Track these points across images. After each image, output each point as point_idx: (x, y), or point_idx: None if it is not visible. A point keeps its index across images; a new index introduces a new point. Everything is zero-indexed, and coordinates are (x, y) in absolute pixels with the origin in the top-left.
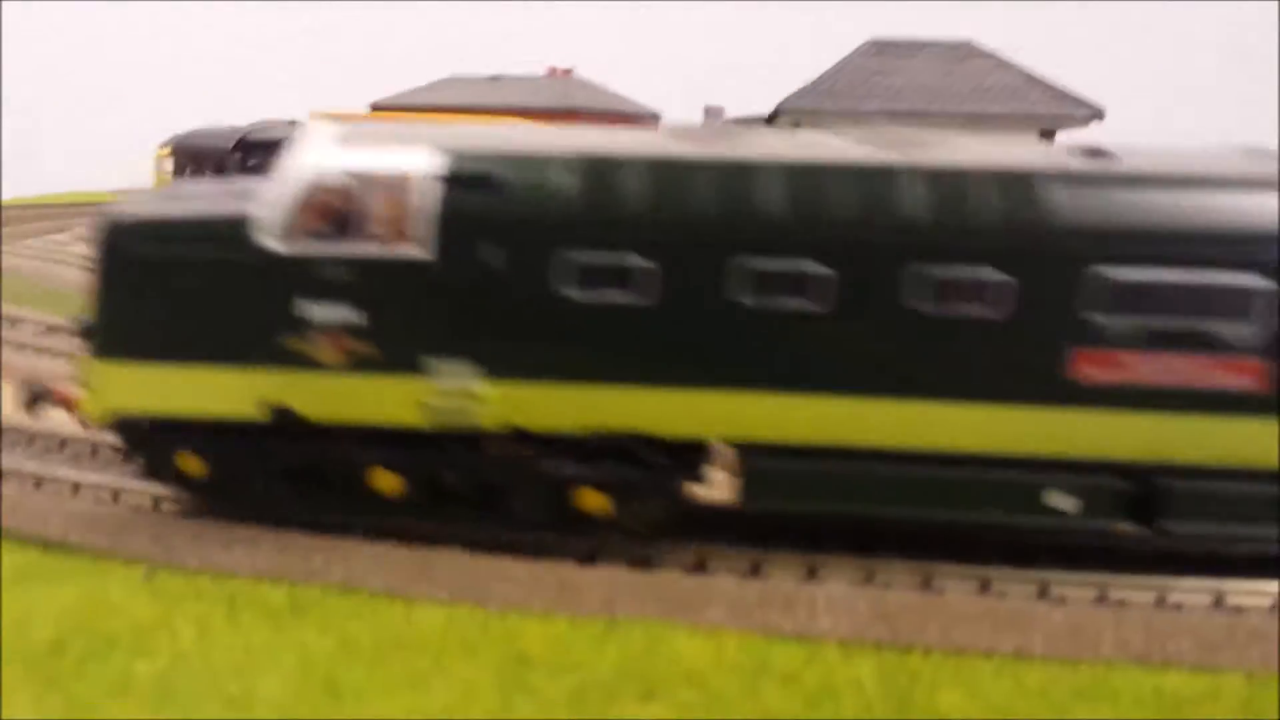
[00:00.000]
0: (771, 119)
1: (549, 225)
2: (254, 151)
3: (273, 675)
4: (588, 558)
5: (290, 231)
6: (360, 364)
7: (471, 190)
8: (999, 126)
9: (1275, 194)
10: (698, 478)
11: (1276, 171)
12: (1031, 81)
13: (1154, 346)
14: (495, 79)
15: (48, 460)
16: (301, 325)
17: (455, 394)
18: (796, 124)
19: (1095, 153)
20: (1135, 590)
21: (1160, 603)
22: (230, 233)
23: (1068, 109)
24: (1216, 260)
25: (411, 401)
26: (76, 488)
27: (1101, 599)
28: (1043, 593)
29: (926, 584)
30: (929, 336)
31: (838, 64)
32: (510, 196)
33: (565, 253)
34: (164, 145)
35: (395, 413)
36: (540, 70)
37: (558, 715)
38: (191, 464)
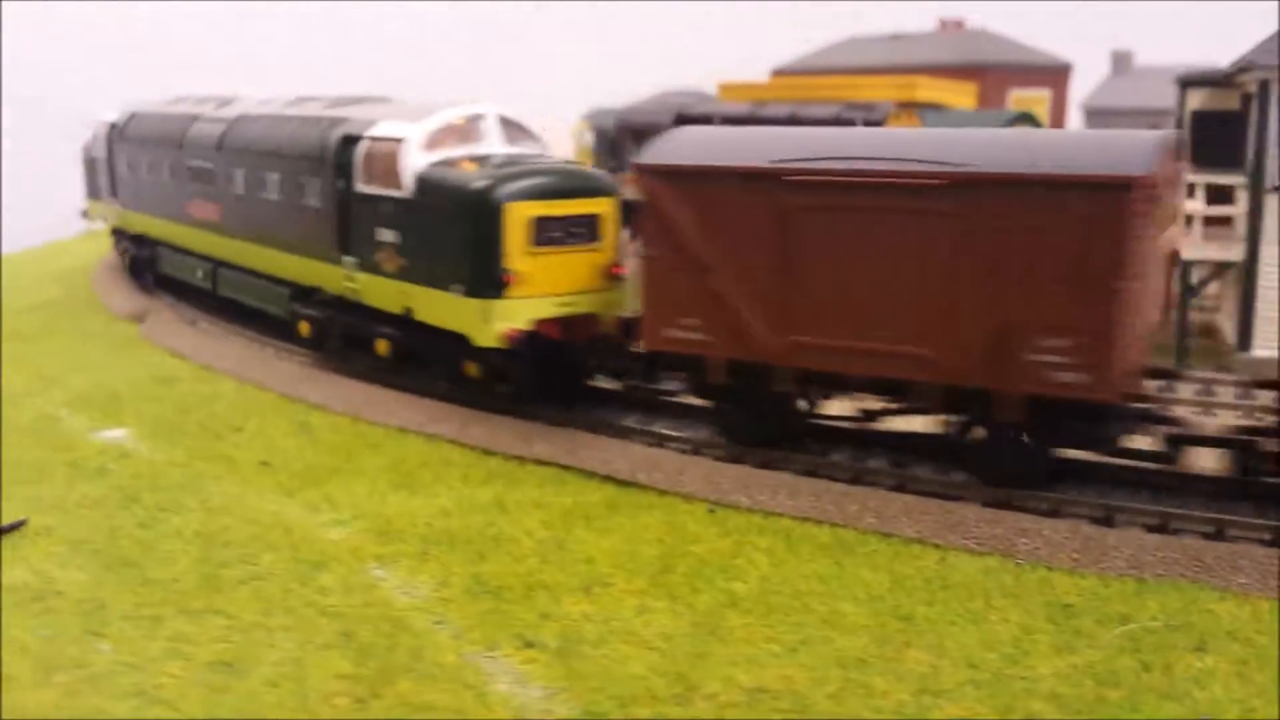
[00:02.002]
0: (1232, 76)
1: None
2: (691, 125)
3: (848, 601)
4: (1104, 519)
5: None
6: None
7: None
8: None
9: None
10: None
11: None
12: None
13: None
14: (896, 38)
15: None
16: None
17: None
18: (1251, 85)
19: (222, 102)
20: None
21: None
22: None
23: None
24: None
25: None
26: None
27: None
28: None
29: None
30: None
31: None
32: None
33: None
34: (585, 117)
35: None
36: (930, 25)
37: (1118, 661)
38: None
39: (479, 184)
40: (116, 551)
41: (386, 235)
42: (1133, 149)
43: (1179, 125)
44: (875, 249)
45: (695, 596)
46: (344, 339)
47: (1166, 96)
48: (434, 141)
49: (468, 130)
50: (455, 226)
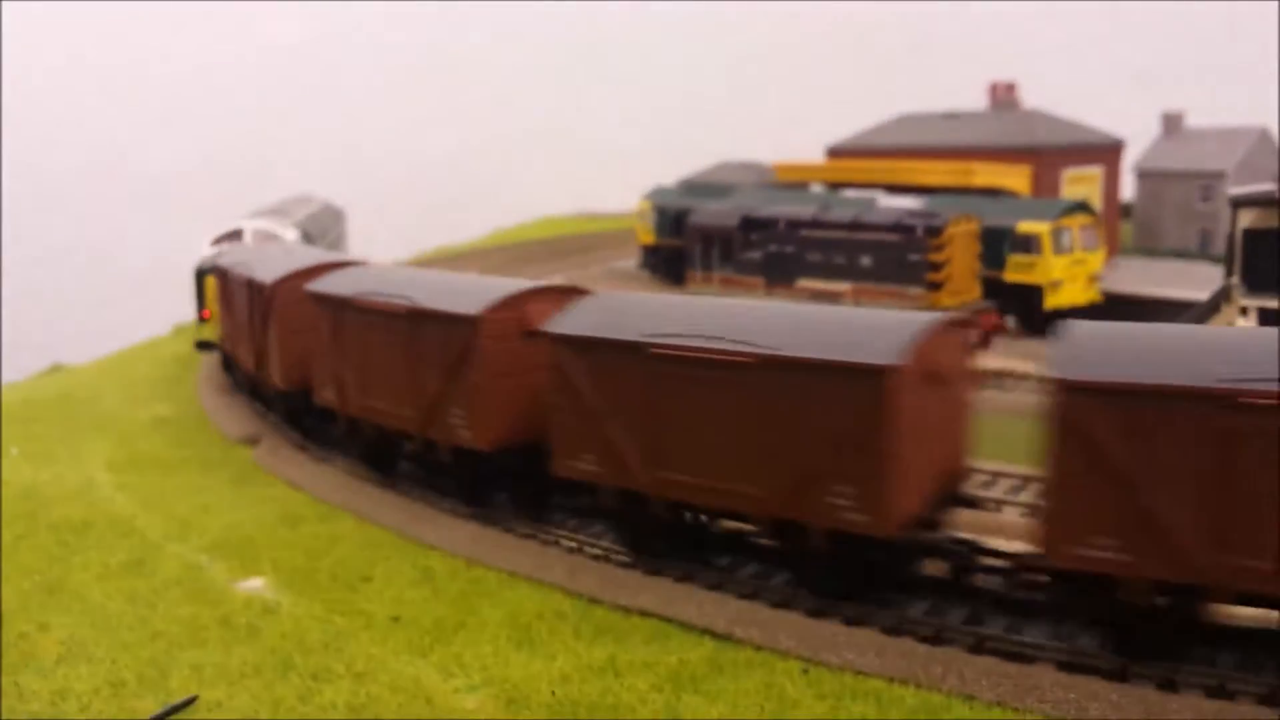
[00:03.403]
0: None
1: None
2: (756, 228)
3: None
4: (1167, 683)
5: None
6: None
7: None
8: None
9: None
10: None
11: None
12: None
13: None
14: (951, 116)
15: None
16: None
17: None
18: None
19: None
20: None
21: None
22: None
23: None
24: None
25: None
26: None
27: None
28: None
29: None
30: None
31: None
32: None
33: None
34: (646, 196)
35: None
36: (981, 86)
37: None
38: None
39: (200, 265)
40: None
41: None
42: None
43: (1230, 244)
44: None
45: None
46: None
47: (1217, 158)
48: (215, 242)
49: (234, 236)
50: (195, 287)
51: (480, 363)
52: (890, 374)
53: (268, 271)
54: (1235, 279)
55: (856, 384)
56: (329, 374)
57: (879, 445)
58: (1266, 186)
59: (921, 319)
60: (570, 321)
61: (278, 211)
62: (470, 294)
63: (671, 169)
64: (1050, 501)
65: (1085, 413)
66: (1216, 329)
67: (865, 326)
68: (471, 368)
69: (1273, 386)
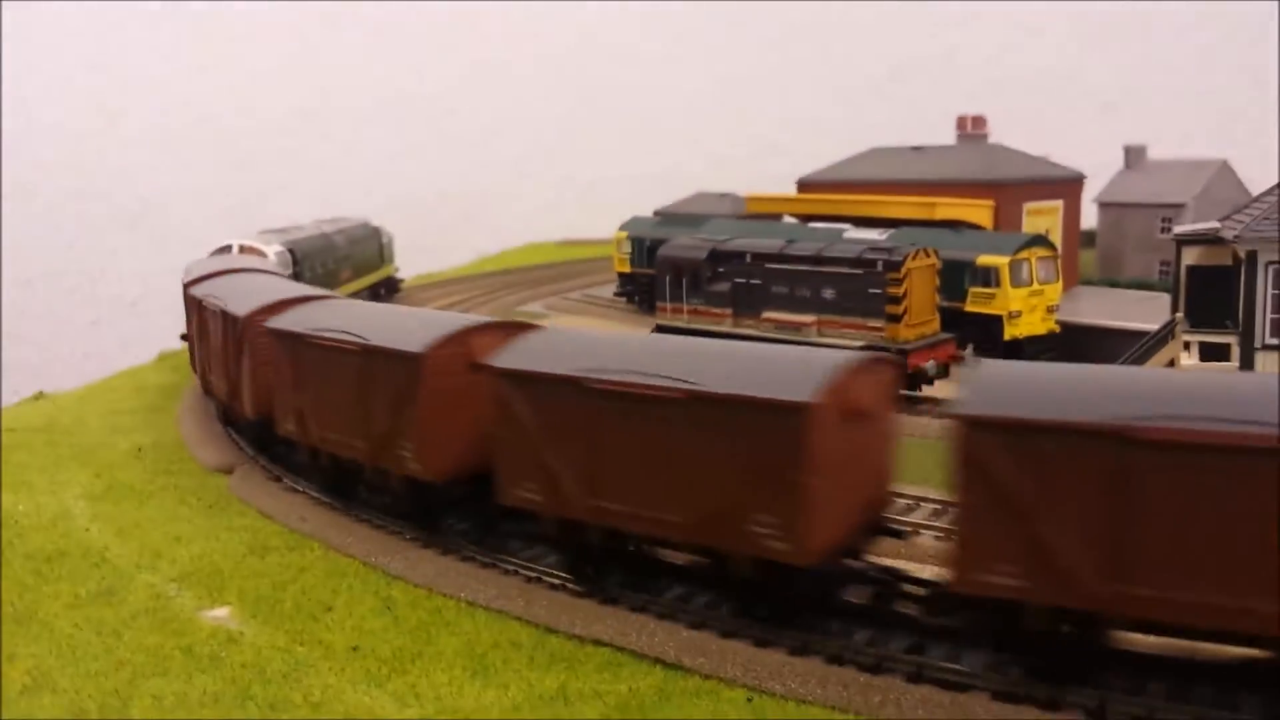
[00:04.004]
0: (1224, 239)
1: None
2: (723, 261)
3: None
4: (1097, 713)
5: None
6: None
7: None
8: None
9: None
10: None
11: None
12: None
13: None
14: (919, 150)
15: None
16: None
17: None
18: (1241, 252)
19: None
20: None
21: None
22: None
23: None
24: None
25: None
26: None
27: None
28: None
29: None
30: None
31: None
32: None
33: None
34: (622, 227)
35: None
36: (950, 119)
37: None
38: None
39: (183, 277)
40: None
41: None
42: None
43: (1175, 280)
44: None
45: None
46: None
47: (1177, 190)
48: (213, 254)
49: (227, 249)
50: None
51: (250, 352)
52: (421, 359)
53: (189, 276)
54: (1180, 314)
55: (404, 366)
56: (198, 354)
57: (416, 412)
58: (1209, 225)
59: (463, 321)
60: (283, 319)
61: (277, 231)
62: (253, 298)
63: (654, 195)
64: (499, 459)
65: (505, 393)
66: (657, 339)
67: (425, 325)
68: (245, 355)
69: (638, 379)
